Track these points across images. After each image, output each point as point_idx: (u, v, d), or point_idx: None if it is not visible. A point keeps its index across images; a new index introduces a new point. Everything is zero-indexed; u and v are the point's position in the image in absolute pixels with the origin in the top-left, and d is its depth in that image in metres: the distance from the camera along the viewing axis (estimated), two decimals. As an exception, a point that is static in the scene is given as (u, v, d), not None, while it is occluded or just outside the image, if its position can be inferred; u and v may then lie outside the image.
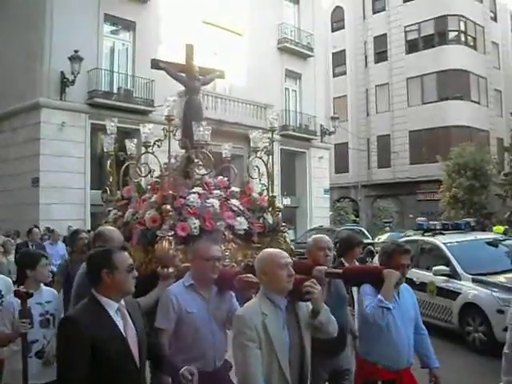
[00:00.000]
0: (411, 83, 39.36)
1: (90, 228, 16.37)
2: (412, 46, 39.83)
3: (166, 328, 4.04)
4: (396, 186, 38.42)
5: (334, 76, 44.00)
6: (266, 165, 6.27)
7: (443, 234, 12.03)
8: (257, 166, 6.26)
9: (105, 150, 6.81)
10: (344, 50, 43.94)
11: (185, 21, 23.13)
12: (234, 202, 5.85)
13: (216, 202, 5.51)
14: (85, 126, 21.11)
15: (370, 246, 23.63)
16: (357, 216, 38.72)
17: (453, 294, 10.07)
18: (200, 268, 4.15)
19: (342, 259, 5.86)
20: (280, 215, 6.31)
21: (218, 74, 7.70)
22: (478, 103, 39.14)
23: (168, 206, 5.18)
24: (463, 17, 38.56)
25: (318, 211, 30.97)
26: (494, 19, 43.24)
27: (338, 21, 44.47)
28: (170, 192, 5.34)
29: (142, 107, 22.02)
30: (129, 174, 6.62)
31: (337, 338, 3.88)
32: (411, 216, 34.98)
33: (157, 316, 4.07)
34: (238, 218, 5.61)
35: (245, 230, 5.62)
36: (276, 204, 6.30)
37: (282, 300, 3.49)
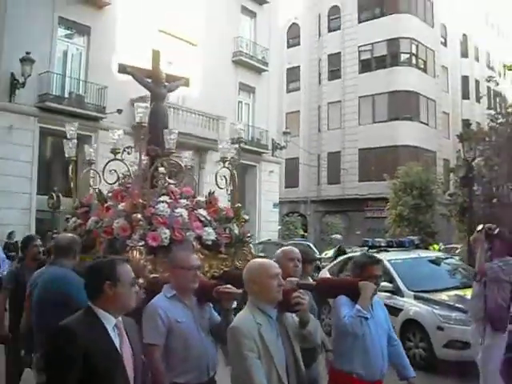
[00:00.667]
0: (363, 102, 40.03)
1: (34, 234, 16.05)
2: (365, 66, 40.57)
3: (157, 343, 3.87)
4: (344, 202, 38.87)
5: (287, 91, 44.36)
6: (232, 175, 6.34)
7: (388, 251, 12.21)
8: (224, 176, 6.29)
9: (66, 156, 6.62)
10: (298, 67, 44.40)
11: (140, 28, 23.06)
12: (202, 211, 5.79)
13: (184, 212, 5.42)
14: (33, 130, 20.73)
15: (317, 261, 23.91)
16: (305, 231, 39.00)
17: (395, 311, 10.14)
18: (181, 278, 4.06)
19: None
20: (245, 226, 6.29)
21: (183, 82, 7.63)
22: (427, 124, 40.05)
23: (138, 215, 5.05)
24: (415, 40, 39.49)
25: (267, 225, 31.05)
26: (445, 44, 44.43)
27: (293, 37, 44.95)
28: (140, 200, 5.21)
29: (94, 113, 21.80)
30: (89, 180, 6.56)
31: (309, 350, 3.94)
32: (358, 232, 35.44)
33: (144, 332, 3.87)
34: (206, 228, 5.57)
35: (212, 240, 5.57)
36: (242, 215, 6.28)
37: (272, 310, 3.50)
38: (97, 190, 6.21)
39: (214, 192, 6.31)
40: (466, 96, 46.22)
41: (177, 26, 25.12)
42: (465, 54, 46.86)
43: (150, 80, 6.83)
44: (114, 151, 5.64)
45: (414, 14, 39.78)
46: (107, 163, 5.87)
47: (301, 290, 3.67)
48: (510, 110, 23.42)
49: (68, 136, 6.58)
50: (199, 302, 4.20)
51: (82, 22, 22.52)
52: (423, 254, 12.88)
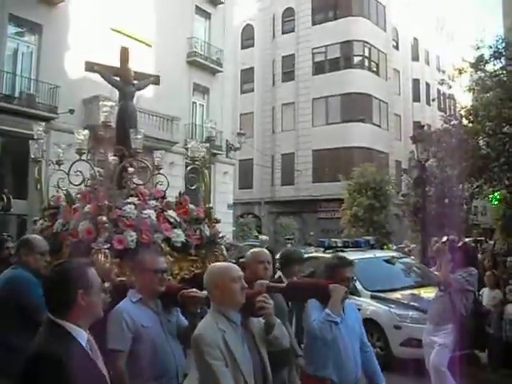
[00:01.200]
0: (316, 104, 40.27)
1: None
2: (319, 68, 40.85)
3: (122, 349, 3.68)
4: (298, 203, 39.06)
5: (241, 92, 44.29)
6: (203, 175, 6.26)
7: (344, 252, 12.23)
8: (193, 177, 6.20)
9: (32, 156, 6.31)
10: (252, 68, 44.42)
11: (93, 27, 22.62)
12: (171, 213, 5.62)
13: (153, 213, 5.29)
14: (-18, 130, 20.12)
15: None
16: (259, 232, 38.99)
17: (352, 311, 10.23)
18: (147, 281, 3.91)
19: (281, 275, 5.71)
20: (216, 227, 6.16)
21: (152, 80, 7.49)
22: (379, 126, 40.56)
23: (104, 218, 4.90)
24: (367, 43, 39.98)
25: (221, 226, 30.73)
26: (396, 47, 45.14)
27: (248, 38, 44.95)
28: (106, 202, 5.05)
29: (45, 113, 21.27)
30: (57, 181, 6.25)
31: (279, 353, 3.81)
32: (312, 233, 35.61)
33: (109, 337, 3.67)
34: (175, 230, 5.41)
35: (182, 242, 5.43)
36: (212, 215, 6.18)
37: (236, 315, 3.37)
38: (65, 192, 6.03)
39: (184, 193, 6.17)
40: (416, 99, 47.07)
41: (130, 26, 24.78)
42: (416, 58, 47.73)
43: (118, 78, 6.67)
44: (80, 152, 5.53)
45: (366, 18, 40.26)
46: (73, 164, 5.76)
47: (265, 294, 3.54)
48: (462, 112, 23.89)
49: (35, 136, 6.30)
50: (165, 306, 4.04)
51: (33, 19, 21.96)
52: (378, 253, 12.96)
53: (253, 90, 44.62)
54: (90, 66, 6.67)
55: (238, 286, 3.33)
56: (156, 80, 7.62)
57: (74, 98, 21.75)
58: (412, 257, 16.07)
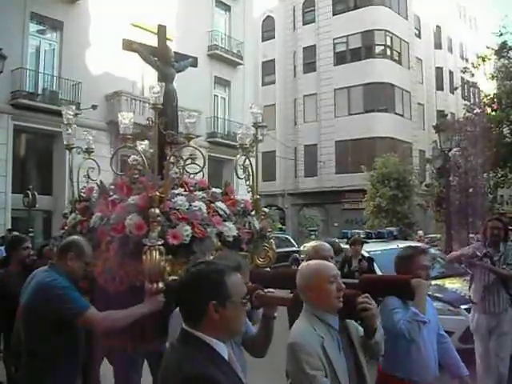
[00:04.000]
0: (338, 94, 40.05)
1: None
2: (340, 58, 40.61)
3: None
4: (322, 194, 38.93)
5: (263, 85, 44.27)
6: (251, 164, 5.53)
7: (367, 243, 12.22)
8: (243, 166, 5.49)
9: (65, 143, 5.68)
10: (274, 60, 44.34)
11: (113, 22, 22.71)
12: (220, 204, 5.06)
13: (203, 205, 4.75)
14: (7, 128, 20.40)
15: (295, 254, 23.98)
16: (283, 224, 39.02)
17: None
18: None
19: None
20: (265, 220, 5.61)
21: (191, 61, 6.88)
22: (402, 116, 40.25)
23: (157, 210, 4.32)
24: (389, 32, 39.61)
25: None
26: (419, 36, 44.66)
27: (268, 30, 44.85)
28: (157, 193, 4.43)
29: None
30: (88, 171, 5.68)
31: None
32: (336, 224, 35.56)
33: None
34: (227, 223, 4.87)
35: (234, 236, 4.85)
36: (260, 207, 5.60)
37: (334, 319, 3.11)
38: (98, 182, 5.45)
39: (230, 183, 5.68)
40: (440, 87, 46.60)
41: (150, 20, 24.84)
42: (438, 46, 47.18)
43: (156, 59, 6.19)
44: (125, 138, 4.84)
45: (387, 6, 39.89)
46: (117, 150, 5.30)
47: (367, 294, 3.22)
48: (485, 100, 23.64)
49: (65, 121, 5.77)
50: None
51: (54, 17, 22.17)
52: (402, 244, 12.89)
53: (274, 82, 44.55)
54: (128, 44, 6.20)
55: (333, 286, 3.06)
56: (194, 62, 6.99)
57: (96, 94, 21.95)
58: (438, 247, 16.00)
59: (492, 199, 26.33)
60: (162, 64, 6.10)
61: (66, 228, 5.32)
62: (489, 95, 24.08)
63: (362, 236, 13.02)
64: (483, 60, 24.37)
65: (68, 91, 21.94)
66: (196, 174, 5.47)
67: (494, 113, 22.68)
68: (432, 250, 13.21)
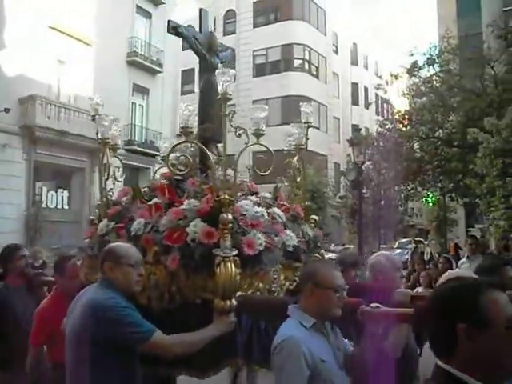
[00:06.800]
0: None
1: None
2: (259, 70, 41.12)
3: None
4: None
5: (182, 93, 44.15)
6: (303, 164, 5.12)
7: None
8: (298, 168, 5.04)
9: (99, 137, 5.02)
10: (193, 69, 44.23)
11: (30, 24, 22.10)
12: (277, 211, 4.44)
13: (264, 212, 4.12)
14: None
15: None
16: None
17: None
18: (325, 301, 3.09)
19: None
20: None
21: (230, 52, 6.21)
22: (318, 129, 41.04)
23: (229, 216, 3.68)
24: (308, 46, 40.47)
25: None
26: (336, 52, 45.85)
27: (188, 39, 44.77)
28: (226, 196, 3.78)
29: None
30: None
31: None
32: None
33: (282, 376, 2.92)
34: (288, 232, 4.27)
35: (294, 246, 4.23)
36: (310, 215, 5.02)
37: None
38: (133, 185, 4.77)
39: (280, 187, 5.18)
40: (355, 102, 47.93)
41: (69, 24, 24.39)
42: (355, 62, 48.59)
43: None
44: (186, 131, 4.31)
45: (307, 21, 40.77)
46: (175, 145, 4.48)
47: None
48: (397, 116, 24.54)
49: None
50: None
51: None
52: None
53: (194, 91, 44.50)
54: (174, 28, 5.50)
55: None
56: (232, 54, 6.35)
57: (10, 97, 21.27)
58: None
59: (402, 211, 27.28)
60: (208, 52, 5.58)
61: (93, 237, 4.45)
62: (400, 112, 25.03)
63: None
64: (396, 78, 25.28)
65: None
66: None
67: (404, 128, 23.54)
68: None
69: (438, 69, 23.08)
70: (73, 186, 25.88)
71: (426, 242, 26.02)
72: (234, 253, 3.53)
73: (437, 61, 22.90)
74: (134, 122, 29.62)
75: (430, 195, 28.58)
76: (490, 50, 21.73)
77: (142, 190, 4.68)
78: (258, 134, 4.37)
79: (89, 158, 24.73)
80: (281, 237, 4.08)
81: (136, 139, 29.02)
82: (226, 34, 43.19)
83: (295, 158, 5.09)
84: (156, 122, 30.73)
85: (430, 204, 32.55)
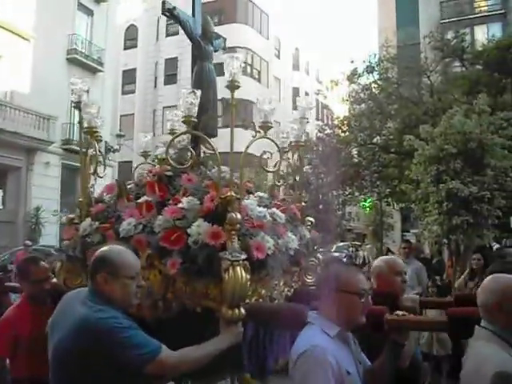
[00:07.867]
0: (199, 108, 40.34)
1: None
2: (202, 72, 41.02)
3: None
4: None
5: (122, 93, 43.61)
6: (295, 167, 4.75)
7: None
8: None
9: (86, 125, 4.51)
10: (135, 69, 43.87)
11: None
12: (277, 212, 4.03)
13: (266, 212, 3.78)
14: None
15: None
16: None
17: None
18: (350, 307, 2.81)
19: None
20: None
21: (223, 41, 5.93)
22: (260, 132, 41.28)
23: (238, 215, 3.32)
24: (250, 50, 40.65)
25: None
26: (278, 56, 46.22)
27: (131, 39, 44.31)
28: (232, 193, 3.47)
29: None
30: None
31: None
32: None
33: None
34: (289, 234, 3.91)
35: (295, 249, 3.90)
36: (305, 216, 4.66)
37: None
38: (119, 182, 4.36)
39: (275, 186, 4.86)
40: (296, 107, 48.30)
41: (6, 17, 23.79)
42: (296, 67, 49.09)
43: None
44: (188, 121, 3.90)
45: (250, 25, 40.96)
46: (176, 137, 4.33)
47: None
48: (336, 122, 24.99)
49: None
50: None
51: None
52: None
53: (134, 92, 44.08)
54: (170, 10, 4.86)
55: None
56: (225, 44, 6.01)
57: None
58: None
59: (341, 216, 27.71)
60: (203, 39, 5.19)
61: (74, 237, 3.96)
62: (339, 117, 25.52)
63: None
64: (336, 84, 25.75)
65: None
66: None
67: (343, 134, 23.98)
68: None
69: (377, 76, 23.64)
70: (8, 185, 25.25)
71: (362, 247, 26.55)
72: (244, 256, 3.20)
73: (376, 69, 23.46)
74: (73, 121, 29.07)
75: (367, 200, 29.18)
76: (427, 60, 22.43)
77: (128, 187, 4.34)
78: (267, 126, 4.12)
79: (25, 156, 24.22)
80: (283, 239, 3.78)
81: (75, 138, 28.49)
82: (168, 34, 42.90)
83: (295, 156, 4.80)
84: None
85: (367, 209, 33.23)
